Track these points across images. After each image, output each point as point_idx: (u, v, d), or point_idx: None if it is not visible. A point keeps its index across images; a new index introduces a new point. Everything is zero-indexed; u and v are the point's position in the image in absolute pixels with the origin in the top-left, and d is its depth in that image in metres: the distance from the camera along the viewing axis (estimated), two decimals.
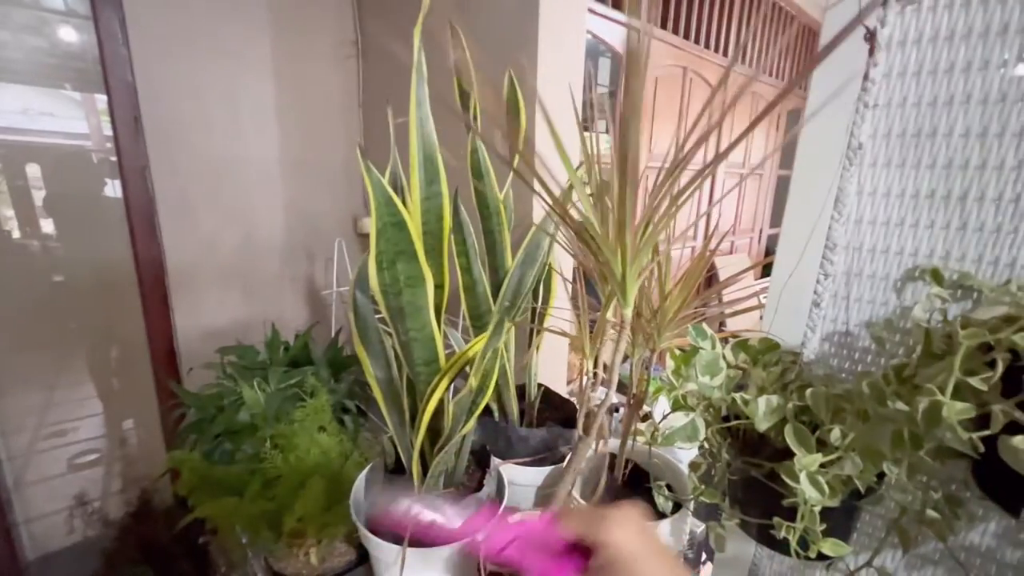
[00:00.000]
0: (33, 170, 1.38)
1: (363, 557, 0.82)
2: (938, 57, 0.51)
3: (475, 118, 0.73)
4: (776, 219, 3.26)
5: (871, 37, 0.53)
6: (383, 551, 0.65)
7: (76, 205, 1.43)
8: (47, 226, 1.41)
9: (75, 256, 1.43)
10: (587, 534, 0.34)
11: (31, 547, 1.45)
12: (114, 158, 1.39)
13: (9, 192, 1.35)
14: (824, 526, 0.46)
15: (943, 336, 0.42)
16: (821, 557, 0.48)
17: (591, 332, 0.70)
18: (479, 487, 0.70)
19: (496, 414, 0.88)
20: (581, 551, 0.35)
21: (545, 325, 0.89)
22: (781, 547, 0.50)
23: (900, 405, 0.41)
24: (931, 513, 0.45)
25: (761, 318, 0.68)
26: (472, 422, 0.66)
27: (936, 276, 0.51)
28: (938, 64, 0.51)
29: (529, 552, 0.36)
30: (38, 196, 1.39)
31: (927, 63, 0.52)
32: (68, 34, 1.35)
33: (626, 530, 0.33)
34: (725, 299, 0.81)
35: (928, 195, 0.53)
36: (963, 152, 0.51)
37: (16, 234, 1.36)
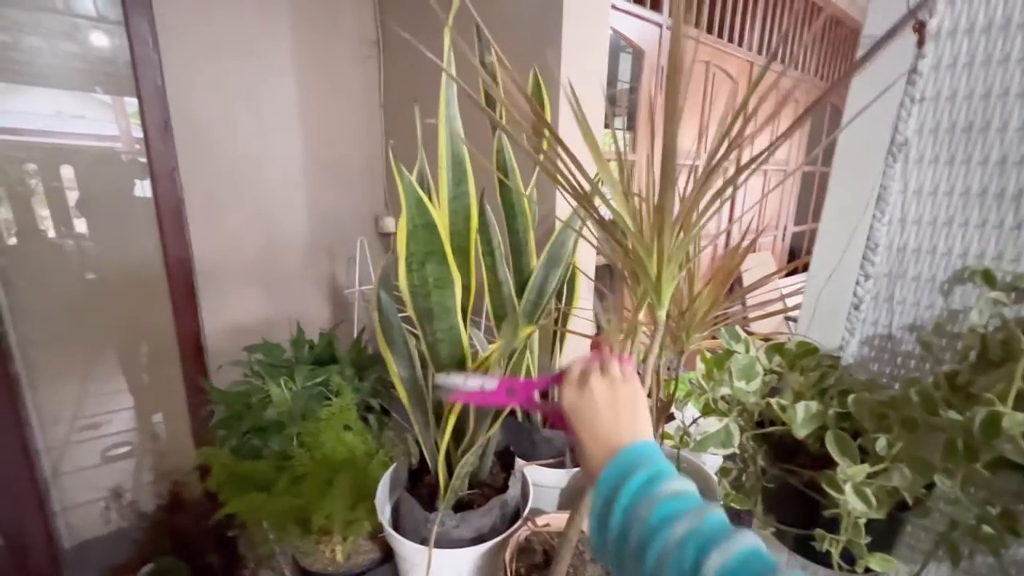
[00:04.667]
0: (67, 171, 1.42)
1: (388, 556, 0.83)
2: (991, 47, 0.49)
3: (501, 117, 0.72)
4: (800, 216, 3.18)
5: (919, 28, 0.50)
6: (409, 551, 0.65)
7: (107, 205, 1.47)
8: (80, 225, 1.45)
9: (107, 254, 1.47)
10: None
11: (68, 535, 1.51)
12: (143, 159, 1.43)
13: (45, 193, 1.39)
14: (868, 539, 0.44)
15: (1000, 342, 0.40)
16: (867, 571, 0.46)
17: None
18: (504, 488, 0.70)
19: (520, 416, 0.88)
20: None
21: (569, 326, 0.88)
22: (821, 559, 0.48)
23: (953, 414, 0.39)
24: (986, 528, 0.43)
25: (786, 320, 0.66)
26: (497, 423, 0.65)
27: (988, 278, 0.48)
28: (991, 55, 0.49)
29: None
30: (71, 196, 1.43)
31: (979, 54, 0.49)
32: (99, 39, 1.38)
33: (568, 388, 0.42)
34: (750, 300, 0.78)
35: (979, 192, 0.50)
36: (1018, 147, 0.48)
37: (51, 233, 1.41)
